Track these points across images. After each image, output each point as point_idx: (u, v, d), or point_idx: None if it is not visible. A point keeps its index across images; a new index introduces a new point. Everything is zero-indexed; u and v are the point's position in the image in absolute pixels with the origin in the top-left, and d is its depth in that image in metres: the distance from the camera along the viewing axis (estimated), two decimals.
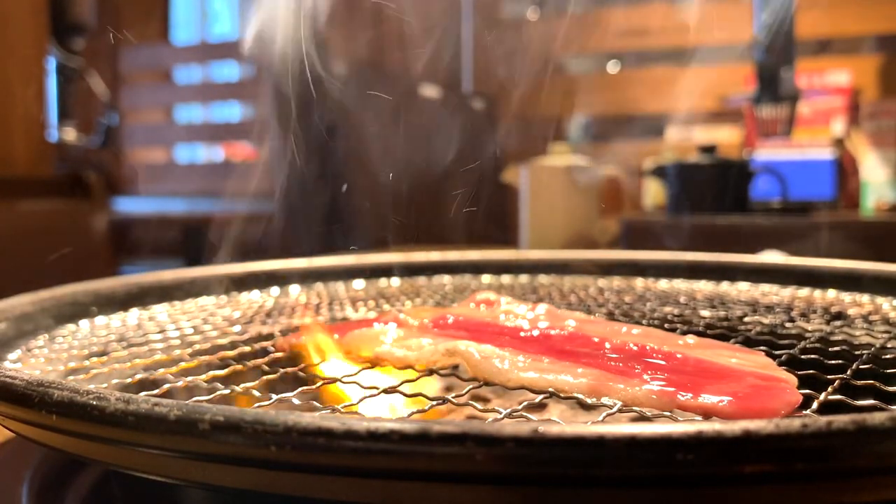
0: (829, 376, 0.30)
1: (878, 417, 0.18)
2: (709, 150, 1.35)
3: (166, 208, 2.35)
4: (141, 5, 2.68)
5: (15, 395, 0.24)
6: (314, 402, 0.29)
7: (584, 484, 0.18)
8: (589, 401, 0.28)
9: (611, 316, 0.46)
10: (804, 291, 0.54)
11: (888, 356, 0.36)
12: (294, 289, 0.59)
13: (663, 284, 0.60)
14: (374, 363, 0.35)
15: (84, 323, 0.45)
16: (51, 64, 1.65)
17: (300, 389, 0.31)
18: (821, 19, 1.76)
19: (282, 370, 0.34)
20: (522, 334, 0.36)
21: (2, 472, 0.34)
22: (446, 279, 0.64)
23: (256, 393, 0.30)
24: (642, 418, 0.27)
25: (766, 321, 0.44)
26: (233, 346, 0.40)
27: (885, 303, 0.48)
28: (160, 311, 0.50)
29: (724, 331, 0.41)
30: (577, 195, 1.37)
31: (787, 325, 0.43)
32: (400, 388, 0.31)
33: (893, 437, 0.17)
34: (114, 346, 0.39)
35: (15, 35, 1.40)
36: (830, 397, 0.27)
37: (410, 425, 0.18)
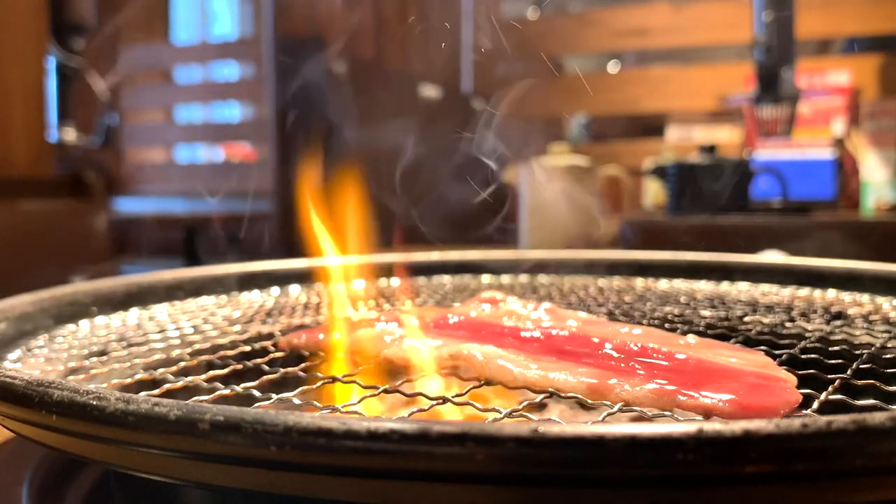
0: (829, 376, 0.30)
1: (878, 417, 0.18)
2: (709, 150, 1.35)
3: (166, 208, 2.35)
4: (141, 5, 2.68)
5: (15, 395, 0.24)
6: (314, 402, 0.29)
7: (584, 484, 0.18)
8: (589, 401, 0.28)
9: (611, 316, 0.46)
10: (804, 291, 0.54)
11: (888, 356, 0.36)
12: (294, 289, 0.59)
13: (663, 284, 0.60)
14: (376, 363, 0.35)
15: (84, 323, 0.45)
16: (51, 64, 1.65)
17: (300, 389, 0.31)
18: (821, 19, 1.76)
19: (282, 370, 0.34)
20: (524, 334, 0.36)
21: (2, 472, 0.34)
22: (446, 279, 0.64)
23: (256, 393, 0.30)
24: (643, 418, 0.27)
25: (766, 321, 0.44)
26: (233, 345, 0.40)
27: (885, 302, 0.48)
28: (160, 311, 0.50)
29: (724, 330, 0.41)
30: (577, 195, 1.37)
31: (787, 324, 0.43)
32: (400, 388, 0.31)
33: (893, 437, 0.17)
34: (114, 346, 0.39)
35: (15, 35, 1.40)
36: (830, 397, 0.27)
37: (410, 425, 0.18)
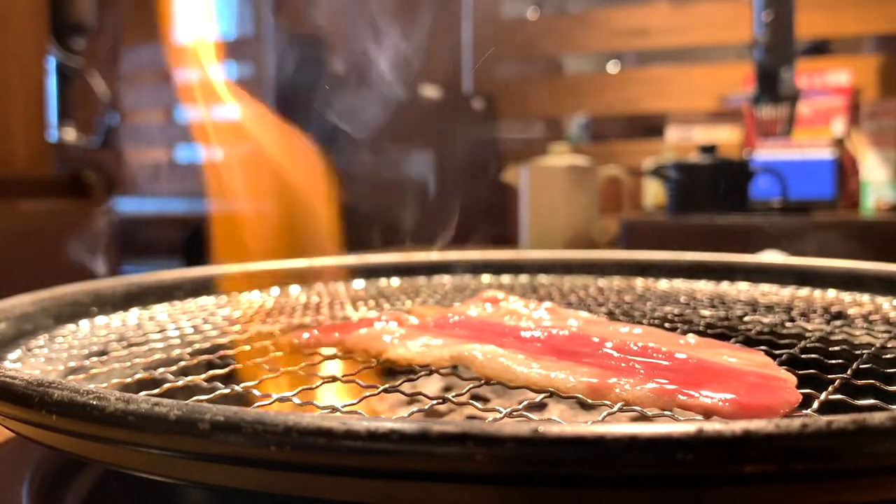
0: (829, 376, 0.30)
1: (878, 417, 0.18)
2: (709, 150, 1.35)
3: (166, 208, 2.35)
4: (141, 5, 2.68)
5: (15, 395, 0.24)
6: (314, 402, 0.29)
7: (584, 484, 0.18)
8: (589, 401, 0.28)
9: (611, 315, 0.46)
10: (804, 291, 0.54)
11: (888, 356, 0.36)
12: (294, 289, 0.59)
13: (663, 284, 0.60)
14: (376, 363, 0.35)
15: (84, 323, 0.45)
16: (51, 64, 1.65)
17: (300, 389, 0.31)
18: (821, 19, 1.76)
19: (282, 370, 0.34)
20: (524, 334, 0.36)
21: (2, 472, 0.34)
22: (446, 279, 0.64)
23: (256, 393, 0.30)
24: (643, 417, 0.27)
25: (766, 321, 0.44)
26: (233, 345, 0.39)
27: (885, 302, 0.48)
28: (160, 310, 0.50)
29: (724, 330, 0.41)
30: (577, 195, 1.37)
31: (787, 324, 0.43)
32: (400, 388, 0.31)
33: (893, 437, 0.17)
34: (114, 346, 0.39)
35: (15, 35, 1.40)
36: (831, 397, 0.27)
37: (410, 425, 0.18)
